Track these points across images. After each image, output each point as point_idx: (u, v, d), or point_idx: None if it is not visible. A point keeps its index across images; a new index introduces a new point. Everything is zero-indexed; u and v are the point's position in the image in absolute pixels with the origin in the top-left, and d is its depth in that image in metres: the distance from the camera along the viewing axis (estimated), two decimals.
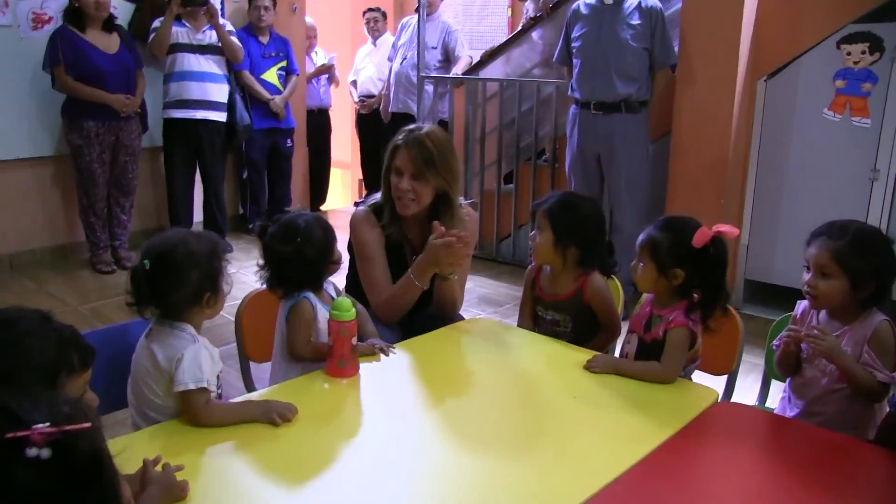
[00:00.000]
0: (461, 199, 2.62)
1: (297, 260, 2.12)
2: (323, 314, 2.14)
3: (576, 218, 2.40)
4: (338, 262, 2.23)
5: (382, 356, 2.17)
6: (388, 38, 7.07)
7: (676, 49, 4.44)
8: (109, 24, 4.97)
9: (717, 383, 2.23)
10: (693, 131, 4.46)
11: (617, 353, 2.44)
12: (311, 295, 2.14)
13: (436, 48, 6.29)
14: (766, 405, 2.43)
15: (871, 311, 1.99)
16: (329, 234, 2.20)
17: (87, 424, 0.91)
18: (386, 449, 1.70)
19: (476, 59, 6.19)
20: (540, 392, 2.02)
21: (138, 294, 1.79)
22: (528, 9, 5.99)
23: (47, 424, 0.88)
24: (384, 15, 7.19)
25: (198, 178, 5.75)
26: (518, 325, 2.58)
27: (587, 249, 2.41)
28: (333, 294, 2.24)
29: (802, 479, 1.63)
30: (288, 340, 2.15)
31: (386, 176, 2.53)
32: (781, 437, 1.77)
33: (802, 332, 1.98)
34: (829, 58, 4.21)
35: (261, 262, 2.18)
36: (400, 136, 2.50)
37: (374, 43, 7.18)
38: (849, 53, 4.14)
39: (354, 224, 2.58)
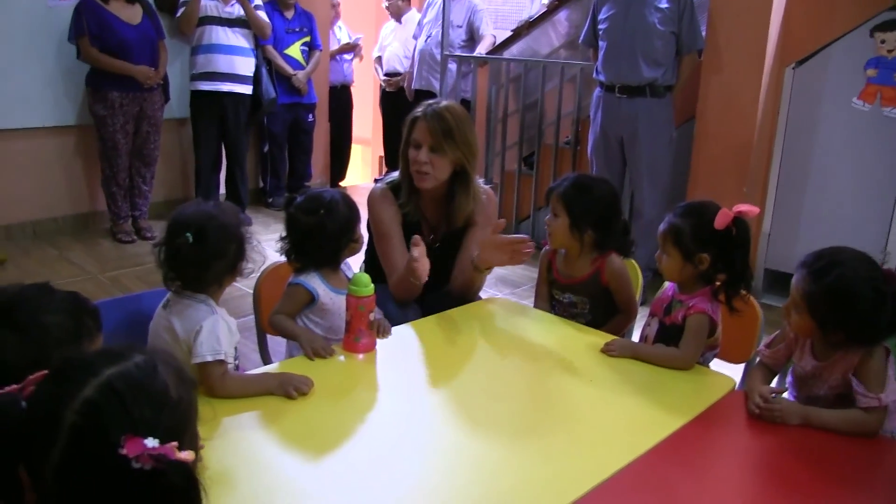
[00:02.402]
0: (479, 181, 2.60)
1: (319, 232, 2.12)
2: (330, 297, 2.15)
3: (591, 200, 2.38)
4: (359, 242, 2.23)
5: (389, 334, 2.17)
6: (413, 16, 7.03)
7: (704, 34, 4.38)
8: None
9: (735, 372, 2.21)
10: (718, 117, 4.41)
11: (636, 337, 2.43)
12: (309, 283, 2.14)
13: (461, 27, 6.26)
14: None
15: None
16: (353, 212, 2.20)
17: (192, 457, 0.96)
18: (400, 426, 1.70)
19: (500, 38, 6.15)
20: (555, 374, 2.01)
21: (181, 267, 1.80)
22: None
23: (157, 442, 0.93)
24: None
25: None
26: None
27: (603, 231, 2.38)
28: (350, 276, 2.23)
29: (819, 470, 1.62)
30: (273, 310, 2.17)
31: (404, 151, 2.51)
32: (798, 428, 1.74)
33: (754, 407, 1.79)
34: (861, 46, 4.13)
35: (283, 233, 2.19)
36: (419, 110, 2.49)
37: (398, 20, 7.14)
38: (883, 41, 4.06)
39: (372, 201, 2.57)
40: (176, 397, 1.02)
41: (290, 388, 1.74)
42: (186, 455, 0.94)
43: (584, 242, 2.39)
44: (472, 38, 6.32)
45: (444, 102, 2.52)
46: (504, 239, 2.31)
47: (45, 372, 1.03)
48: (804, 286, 1.81)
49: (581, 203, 2.36)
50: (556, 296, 2.50)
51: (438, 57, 6.17)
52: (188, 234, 1.77)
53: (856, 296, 1.74)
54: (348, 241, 2.19)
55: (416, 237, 2.30)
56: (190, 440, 1.03)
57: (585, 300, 2.43)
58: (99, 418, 0.95)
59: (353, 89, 7.30)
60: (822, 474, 1.60)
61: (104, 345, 1.50)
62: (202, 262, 1.79)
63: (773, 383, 2.01)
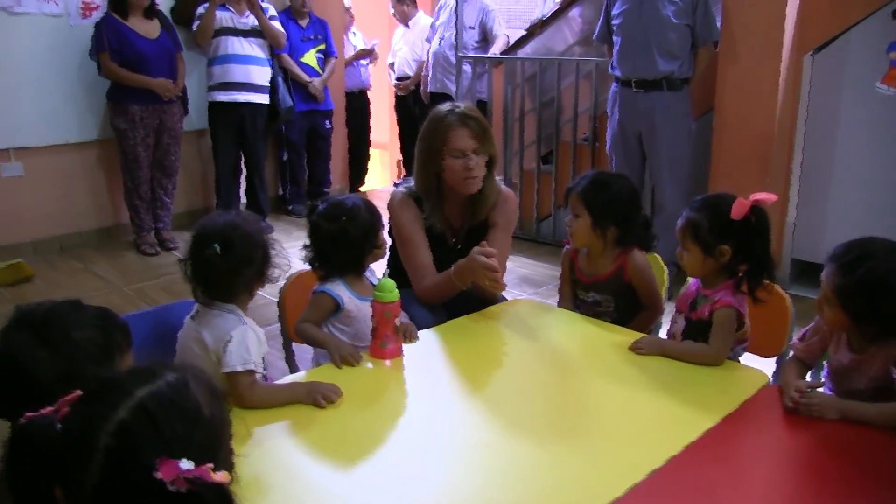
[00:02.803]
0: (498, 180, 2.58)
1: (341, 239, 2.12)
2: (355, 304, 2.14)
3: (611, 197, 2.35)
4: (382, 248, 2.22)
5: (416, 338, 2.15)
6: (421, 18, 7.05)
7: (719, 25, 4.34)
8: (150, 11, 5.04)
9: (767, 366, 2.18)
10: (736, 108, 4.37)
11: (663, 334, 2.40)
12: (334, 291, 2.13)
13: (473, 28, 6.25)
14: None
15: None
16: (376, 218, 2.19)
17: (227, 478, 0.95)
18: (429, 430, 1.68)
19: (513, 38, 6.13)
20: (583, 374, 1.99)
21: (213, 279, 1.81)
22: None
23: (192, 465, 0.92)
24: None
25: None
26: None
27: (625, 227, 2.36)
28: (375, 282, 2.22)
29: (860, 467, 1.58)
30: (298, 318, 2.16)
31: (432, 162, 2.46)
32: (836, 423, 1.71)
33: (789, 401, 1.76)
34: (882, 29, 4.06)
35: (307, 241, 2.18)
36: (445, 118, 2.44)
37: (407, 24, 7.15)
38: None
39: (392, 207, 2.55)
40: (209, 415, 1.01)
41: (318, 397, 1.73)
42: (221, 477, 0.93)
43: (608, 240, 2.36)
44: (486, 39, 6.31)
45: (462, 104, 2.51)
46: (485, 262, 2.23)
47: (79, 393, 1.03)
48: (835, 280, 1.77)
49: (601, 201, 2.34)
50: (580, 295, 2.47)
51: (452, 59, 6.16)
52: (216, 245, 1.77)
53: (889, 288, 1.71)
54: (371, 248, 2.18)
55: (483, 242, 2.30)
56: (225, 458, 1.02)
57: (610, 298, 2.40)
58: (132, 441, 0.94)
59: (370, 94, 7.30)
60: (862, 471, 1.56)
61: (135, 360, 1.50)
62: (232, 270, 1.80)
63: (808, 377, 1.97)
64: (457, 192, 2.49)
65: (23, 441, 1.02)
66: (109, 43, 4.86)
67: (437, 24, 6.58)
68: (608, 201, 2.34)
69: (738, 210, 1.99)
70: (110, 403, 0.96)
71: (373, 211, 2.20)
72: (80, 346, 1.36)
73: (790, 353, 2.03)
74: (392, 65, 7.30)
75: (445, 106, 2.50)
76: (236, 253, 1.79)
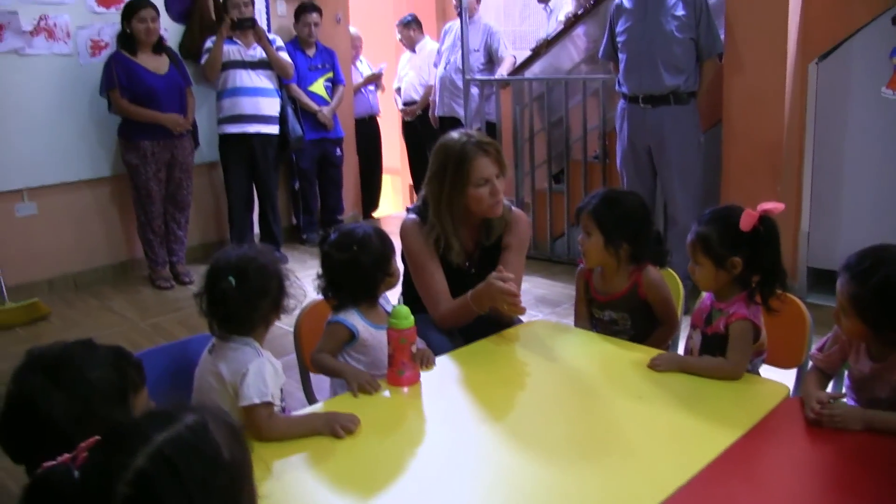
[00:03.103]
0: (508, 202, 2.58)
1: (353, 268, 2.12)
2: (370, 333, 2.14)
3: (622, 214, 2.35)
4: (395, 276, 2.23)
5: (433, 365, 2.14)
6: (427, 44, 7.09)
7: (723, 37, 4.34)
8: (159, 47, 5.10)
9: (787, 377, 2.16)
10: (744, 119, 4.36)
11: (681, 350, 2.38)
12: (348, 320, 2.13)
13: (478, 50, 6.28)
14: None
15: None
16: (387, 246, 2.19)
17: None
18: (450, 458, 1.67)
19: (519, 58, 6.15)
20: (603, 394, 1.98)
21: (229, 312, 1.81)
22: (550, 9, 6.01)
23: None
24: (417, 22, 7.19)
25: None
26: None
27: (638, 244, 2.35)
28: (389, 310, 2.21)
29: (887, 477, 1.55)
30: (314, 349, 2.16)
31: (458, 196, 2.43)
32: (861, 433, 1.68)
33: (811, 413, 1.73)
34: (884, 35, 4.06)
35: (319, 271, 2.18)
36: (464, 149, 2.41)
37: (413, 49, 7.19)
38: None
39: (405, 234, 2.55)
40: (229, 457, 0.99)
41: (336, 427, 1.72)
42: None
43: (621, 257, 2.35)
44: (491, 61, 6.35)
45: (472, 131, 2.54)
46: (503, 287, 2.22)
47: (97, 438, 1.02)
48: (850, 290, 1.76)
49: (612, 218, 2.34)
50: (595, 314, 2.46)
51: (459, 83, 6.20)
52: (231, 278, 1.78)
53: None
54: (384, 276, 2.19)
55: (500, 267, 2.30)
56: (247, 499, 1.01)
57: (626, 316, 2.39)
58: (152, 490, 0.93)
59: (380, 120, 7.34)
60: (891, 482, 1.53)
61: (152, 396, 1.50)
62: (248, 302, 1.81)
63: (829, 387, 1.95)
64: (474, 216, 2.49)
65: (41, 491, 1.01)
66: (119, 80, 4.91)
67: (443, 48, 6.63)
68: (619, 219, 2.34)
69: (746, 221, 1.99)
70: (128, 451, 0.95)
71: (384, 239, 2.20)
72: (95, 386, 1.36)
73: (810, 363, 2.01)
74: (398, 90, 7.34)
75: (455, 136, 2.49)
76: (251, 285, 1.80)
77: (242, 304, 1.80)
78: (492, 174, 2.43)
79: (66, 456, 1.03)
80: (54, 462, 1.03)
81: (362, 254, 2.13)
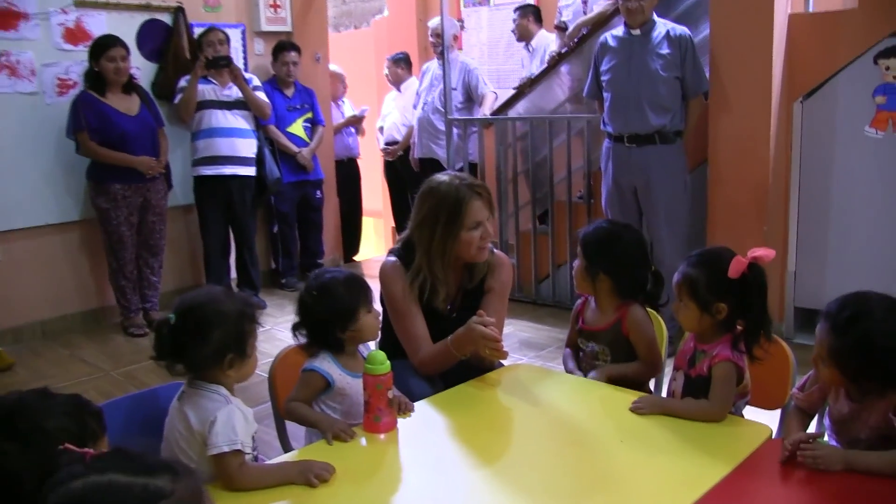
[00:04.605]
0: (489, 245, 2.62)
1: (307, 315, 2.16)
2: (346, 381, 2.15)
3: (607, 246, 2.43)
4: (361, 332, 2.19)
5: (411, 411, 2.16)
6: (412, 84, 7.16)
7: (708, 75, 4.44)
8: (129, 86, 5.10)
9: (771, 419, 2.19)
10: (730, 158, 4.45)
11: (664, 392, 2.42)
12: (323, 368, 2.14)
13: (456, 89, 6.33)
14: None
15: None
16: (355, 298, 2.17)
17: None
18: None
19: (503, 96, 6.24)
20: (586, 438, 2.01)
21: (160, 348, 1.82)
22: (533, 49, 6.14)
23: None
24: (407, 61, 7.28)
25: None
26: (564, 361, 2.60)
27: (619, 278, 2.42)
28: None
29: None
30: (288, 397, 2.17)
31: (452, 241, 2.47)
32: (842, 473, 1.71)
33: (788, 452, 1.77)
34: (867, 74, 4.18)
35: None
36: (458, 193, 2.45)
37: (398, 88, 7.28)
38: (888, 68, 4.11)
39: (384, 277, 2.57)
40: None
41: (310, 476, 1.73)
42: None
43: (599, 288, 2.44)
44: (470, 99, 6.43)
45: (463, 174, 2.60)
46: (484, 332, 2.27)
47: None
48: (829, 341, 1.80)
49: (596, 248, 2.43)
50: (580, 345, 2.53)
51: (437, 123, 6.29)
52: (171, 316, 1.80)
53: (885, 350, 1.73)
54: (343, 329, 2.15)
55: (481, 312, 2.34)
56: None
57: (606, 350, 2.45)
58: None
59: (360, 162, 7.40)
60: None
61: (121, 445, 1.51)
62: (182, 344, 1.81)
63: (813, 426, 1.98)
64: (460, 260, 2.54)
65: None
66: (88, 122, 4.90)
67: (420, 89, 6.72)
68: (603, 249, 2.43)
69: (735, 268, 2.03)
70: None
71: (354, 290, 2.18)
72: (52, 436, 1.36)
73: (792, 402, 2.04)
74: (381, 129, 7.41)
75: (445, 178, 2.53)
76: (189, 327, 1.80)
77: (174, 343, 1.81)
78: (484, 217, 2.48)
79: None
80: None
81: (318, 301, 2.15)
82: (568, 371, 2.52)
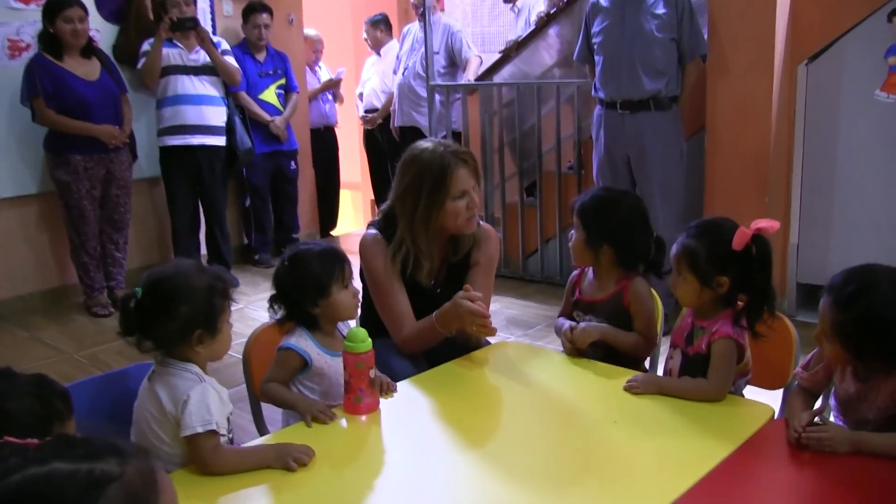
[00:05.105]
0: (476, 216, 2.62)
1: (279, 287, 2.16)
2: (325, 360, 2.16)
3: (609, 215, 2.42)
4: (334, 308, 2.17)
5: (394, 391, 2.17)
6: (393, 47, 7.11)
7: (706, 37, 4.43)
8: (88, 49, 5.02)
9: (773, 398, 2.21)
10: (729, 125, 4.45)
11: (660, 371, 2.43)
12: (300, 346, 2.14)
13: (438, 52, 6.30)
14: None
15: None
16: (325, 269, 2.14)
17: None
18: (413, 490, 1.70)
19: (488, 61, 6.21)
20: (578, 419, 2.02)
21: (126, 323, 1.81)
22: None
23: None
24: (386, 23, 7.23)
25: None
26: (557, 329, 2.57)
27: (622, 249, 2.42)
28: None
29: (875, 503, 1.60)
30: (263, 378, 2.17)
31: (437, 212, 2.47)
32: (848, 455, 1.73)
33: (798, 435, 1.78)
34: (879, 33, 4.17)
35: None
36: (443, 162, 2.45)
37: (378, 52, 7.24)
38: None
39: (364, 251, 2.57)
40: None
41: (288, 460, 1.73)
42: None
43: (602, 259, 2.43)
44: (454, 63, 6.40)
45: (448, 141, 2.61)
46: (471, 307, 2.27)
47: None
48: (832, 316, 1.80)
49: (597, 218, 2.42)
50: (576, 317, 2.51)
51: (418, 89, 6.27)
52: (138, 289, 1.80)
53: (891, 325, 1.74)
54: (314, 301, 2.14)
55: (467, 286, 2.34)
56: None
57: (604, 322, 2.44)
58: None
59: (337, 131, 7.37)
60: None
61: (84, 430, 1.50)
62: (147, 319, 1.80)
63: (818, 405, 2.00)
64: (445, 232, 2.53)
65: None
66: (44, 87, 4.82)
67: (400, 53, 6.68)
68: (605, 219, 2.41)
69: (739, 240, 2.03)
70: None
71: (328, 262, 2.16)
72: (15, 418, 1.36)
73: (795, 382, 2.06)
74: (360, 95, 7.38)
75: (429, 146, 2.52)
76: (155, 301, 1.79)
77: (140, 318, 1.80)
78: (470, 186, 2.48)
79: None
80: None
81: (289, 272, 2.15)
82: (559, 332, 2.49)
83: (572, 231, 2.50)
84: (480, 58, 6.38)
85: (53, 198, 5.21)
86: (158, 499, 1.03)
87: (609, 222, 2.41)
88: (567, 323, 2.45)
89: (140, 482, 1.00)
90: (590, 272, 2.53)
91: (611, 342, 2.36)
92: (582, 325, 2.40)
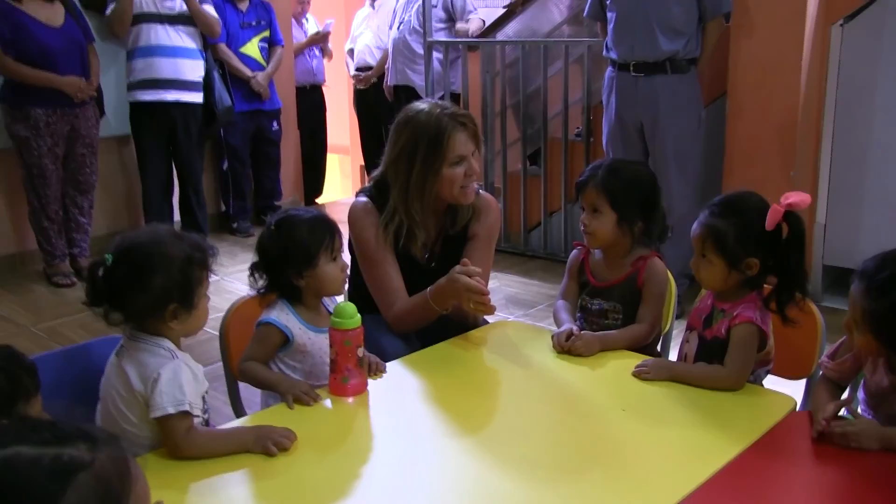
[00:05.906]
0: (475, 185, 2.62)
1: (263, 254, 2.16)
2: (308, 336, 2.16)
3: (635, 187, 2.42)
4: (319, 281, 2.17)
5: (383, 371, 2.18)
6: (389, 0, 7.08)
7: None
8: None
9: (795, 389, 2.21)
10: (753, 91, 4.44)
11: (673, 356, 2.43)
12: (280, 321, 2.14)
13: (435, 6, 6.26)
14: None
15: None
16: (314, 238, 2.14)
17: None
18: (402, 479, 1.70)
19: (490, 18, 6.18)
20: (581, 405, 2.02)
21: (94, 292, 1.80)
22: None
23: None
24: None
25: None
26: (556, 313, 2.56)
27: (653, 220, 2.43)
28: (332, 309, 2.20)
29: None
30: (242, 356, 2.17)
31: (433, 179, 2.47)
32: (877, 454, 1.72)
33: (822, 428, 1.77)
34: None
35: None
36: (440, 124, 2.45)
37: (372, 5, 7.19)
38: None
39: (354, 220, 2.57)
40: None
41: (268, 444, 1.73)
42: None
43: (626, 241, 2.43)
44: (452, 19, 6.36)
45: (445, 103, 2.59)
46: (469, 283, 2.27)
47: None
48: (864, 304, 1.79)
49: (626, 192, 2.39)
50: (584, 302, 2.50)
51: (415, 47, 6.23)
52: (108, 256, 1.78)
53: None
54: (300, 271, 2.14)
55: (465, 260, 2.33)
56: None
57: (618, 307, 2.43)
58: None
59: (325, 90, 7.34)
60: None
61: (48, 413, 1.50)
62: (117, 290, 1.79)
63: (844, 396, 2.00)
64: (441, 201, 2.53)
65: None
66: (1, 33, 4.79)
67: (396, 6, 6.64)
68: (633, 191, 2.40)
69: (772, 219, 2.01)
70: None
71: (318, 231, 2.16)
72: None
73: (820, 372, 2.06)
74: (351, 52, 7.34)
75: (425, 107, 2.52)
76: (126, 271, 1.78)
77: (110, 288, 1.79)
78: (469, 152, 2.48)
79: None
80: None
81: (274, 237, 2.15)
82: (559, 323, 2.49)
83: (584, 214, 2.45)
84: (483, 20, 6.32)
85: (11, 155, 5.18)
86: (132, 489, 1.02)
87: (638, 195, 2.40)
88: (567, 324, 2.39)
89: (113, 470, 1.00)
90: (597, 252, 2.51)
91: (610, 349, 2.30)
92: (583, 337, 2.30)
